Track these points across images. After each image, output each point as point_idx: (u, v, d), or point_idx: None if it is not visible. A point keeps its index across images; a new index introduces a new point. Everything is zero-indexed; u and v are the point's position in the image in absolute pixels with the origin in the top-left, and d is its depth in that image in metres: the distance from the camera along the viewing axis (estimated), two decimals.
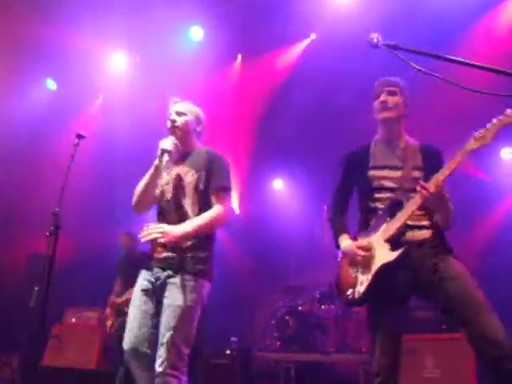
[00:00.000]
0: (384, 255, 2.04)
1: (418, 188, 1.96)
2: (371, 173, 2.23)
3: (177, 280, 2.14)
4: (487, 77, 1.50)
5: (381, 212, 2.16)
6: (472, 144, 1.90)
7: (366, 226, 2.22)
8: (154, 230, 2.13)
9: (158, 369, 2.04)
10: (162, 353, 2.06)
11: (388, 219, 2.11)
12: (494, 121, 1.85)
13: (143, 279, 2.30)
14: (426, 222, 2.12)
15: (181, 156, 2.44)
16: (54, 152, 5.87)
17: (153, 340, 2.14)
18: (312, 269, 5.47)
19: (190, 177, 2.33)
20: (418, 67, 1.59)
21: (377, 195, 2.20)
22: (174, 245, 2.19)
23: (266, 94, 5.99)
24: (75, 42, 5.31)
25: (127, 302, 4.54)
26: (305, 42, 5.68)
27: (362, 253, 2.10)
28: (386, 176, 2.20)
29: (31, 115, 5.88)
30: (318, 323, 4.88)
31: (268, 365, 4.97)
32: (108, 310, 4.73)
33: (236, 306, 6.15)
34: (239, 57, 6.11)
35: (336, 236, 2.29)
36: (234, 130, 6.30)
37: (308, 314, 5.02)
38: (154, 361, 2.08)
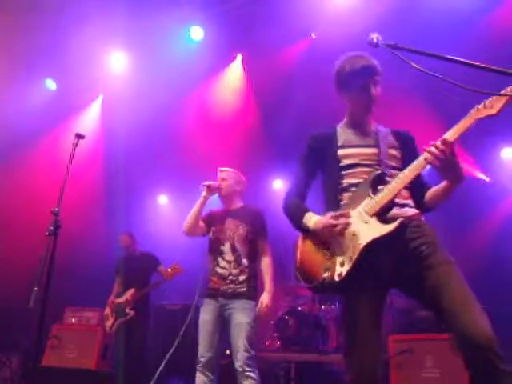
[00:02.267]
0: (373, 229, 1.81)
1: (426, 147, 1.76)
2: (341, 151, 2.05)
3: None
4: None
5: (357, 187, 1.96)
6: (482, 111, 1.70)
7: (336, 205, 1.99)
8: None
9: None
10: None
11: (371, 193, 1.89)
12: (503, 92, 1.66)
13: None
14: (409, 201, 1.97)
15: (228, 211, 3.28)
16: (53, 152, 5.88)
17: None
18: None
19: (241, 229, 3.15)
20: (418, 67, 1.59)
21: (350, 171, 2.01)
22: None
23: (265, 94, 5.99)
24: (75, 42, 5.30)
25: (128, 303, 4.59)
26: (305, 42, 5.67)
27: (343, 220, 1.86)
28: (360, 153, 2.03)
29: (30, 115, 5.87)
30: (317, 323, 4.87)
31: (268, 365, 4.96)
32: (107, 310, 4.73)
33: None
34: (239, 57, 6.11)
35: (298, 217, 2.04)
36: (234, 130, 6.29)
37: (308, 314, 5.01)
38: None
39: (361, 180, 1.96)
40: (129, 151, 6.15)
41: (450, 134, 1.75)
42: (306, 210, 2.05)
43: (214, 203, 3.39)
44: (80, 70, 5.89)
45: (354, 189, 1.97)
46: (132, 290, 4.60)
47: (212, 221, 3.27)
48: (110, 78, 6.15)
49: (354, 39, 3.72)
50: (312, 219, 1.99)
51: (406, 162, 1.97)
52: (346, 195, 1.99)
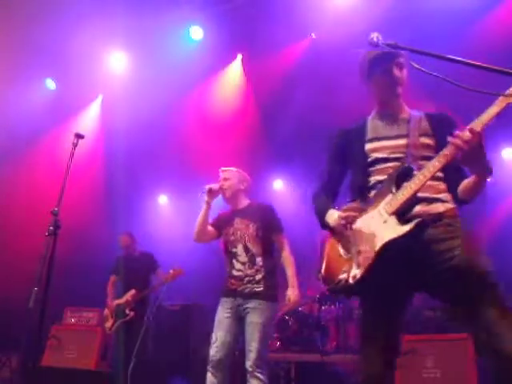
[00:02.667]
0: (390, 230, 1.69)
1: (451, 138, 1.60)
2: (369, 145, 1.93)
3: None
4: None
5: (382, 182, 1.83)
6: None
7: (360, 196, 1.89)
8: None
9: None
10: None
11: (394, 189, 1.76)
12: (507, 92, 1.56)
13: None
14: (442, 194, 1.80)
15: (235, 211, 3.23)
16: (53, 151, 5.87)
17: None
18: (312, 269, 5.46)
19: (251, 228, 3.10)
20: (419, 66, 1.59)
21: (378, 167, 1.88)
22: None
23: (265, 94, 5.99)
24: (75, 42, 5.30)
25: (128, 303, 4.58)
26: (305, 42, 5.67)
27: (348, 214, 1.80)
28: (389, 146, 1.90)
29: (30, 115, 5.87)
30: (317, 324, 4.87)
31: (268, 365, 4.95)
32: (106, 311, 4.72)
33: None
34: (239, 56, 6.10)
35: (322, 214, 1.95)
36: (234, 130, 6.29)
37: (308, 314, 5.01)
38: None
39: (387, 176, 1.83)
40: (128, 151, 6.14)
41: (477, 124, 1.59)
42: (330, 207, 1.96)
43: (220, 204, 3.37)
44: (80, 70, 5.89)
45: (380, 185, 1.84)
46: (133, 291, 4.59)
47: (221, 224, 3.24)
48: (109, 78, 6.15)
49: (355, 39, 3.73)
50: (332, 216, 1.91)
51: (440, 149, 1.76)
52: (371, 191, 1.86)
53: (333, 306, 5.01)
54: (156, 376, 4.73)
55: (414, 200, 1.72)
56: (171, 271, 4.42)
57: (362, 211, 1.83)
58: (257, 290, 2.97)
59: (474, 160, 1.63)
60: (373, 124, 2.01)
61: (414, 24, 4.47)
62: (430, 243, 1.70)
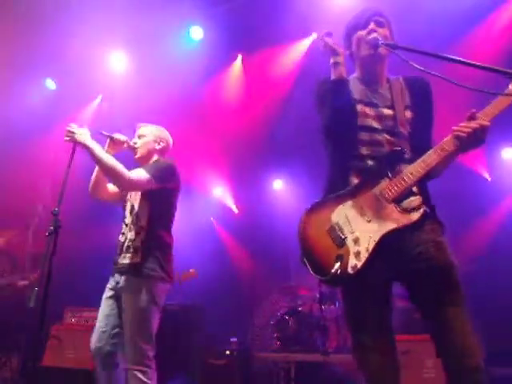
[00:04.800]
0: (392, 218, 1.60)
1: (457, 131, 1.58)
2: (360, 107, 1.81)
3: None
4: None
5: (372, 163, 1.73)
6: None
7: (343, 181, 1.76)
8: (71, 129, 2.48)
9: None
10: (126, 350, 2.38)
11: (389, 174, 1.68)
12: (506, 91, 1.59)
13: None
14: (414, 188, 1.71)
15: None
16: (53, 151, 5.87)
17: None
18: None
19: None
20: (418, 66, 1.59)
21: (366, 137, 1.77)
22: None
23: (266, 94, 5.99)
24: (74, 42, 5.30)
25: None
26: (305, 42, 5.67)
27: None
28: (376, 115, 1.80)
29: (30, 115, 5.87)
30: (317, 324, 4.87)
31: (268, 365, 4.96)
32: None
33: (236, 306, 6.15)
34: (239, 56, 6.10)
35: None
36: (234, 130, 6.29)
37: (308, 314, 5.01)
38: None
39: (372, 153, 1.75)
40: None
41: (485, 115, 1.59)
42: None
43: None
44: (80, 70, 5.88)
45: (370, 163, 1.73)
46: None
47: None
48: (109, 78, 6.15)
49: None
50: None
51: (417, 123, 1.75)
52: (356, 170, 1.75)
53: (333, 306, 5.01)
54: (155, 379, 4.73)
55: (410, 190, 1.66)
56: (191, 271, 4.44)
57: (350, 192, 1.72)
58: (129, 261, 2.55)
59: (469, 146, 1.61)
60: (354, 86, 1.88)
61: (414, 24, 4.47)
62: (407, 233, 1.64)
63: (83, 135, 2.48)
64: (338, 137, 1.80)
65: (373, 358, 1.66)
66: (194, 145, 6.30)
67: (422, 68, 1.58)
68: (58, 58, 5.70)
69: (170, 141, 3.00)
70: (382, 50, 1.79)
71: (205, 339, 5.13)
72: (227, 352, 4.58)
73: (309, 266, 1.71)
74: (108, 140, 2.70)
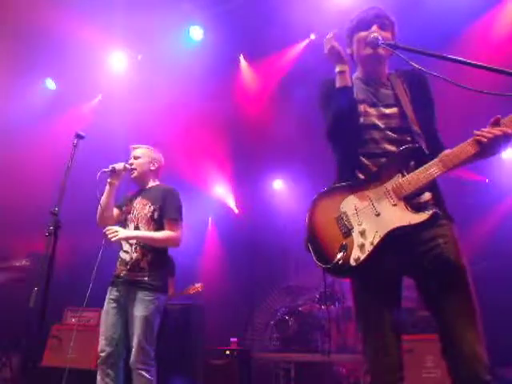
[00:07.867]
0: (400, 215, 1.59)
1: (478, 136, 1.53)
2: (362, 107, 1.81)
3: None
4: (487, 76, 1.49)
5: (386, 157, 1.70)
6: None
7: (351, 173, 1.76)
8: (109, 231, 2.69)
9: None
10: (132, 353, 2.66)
11: (404, 171, 1.65)
12: None
13: None
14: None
15: (140, 191, 3.03)
16: (53, 152, 5.87)
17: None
18: (312, 269, 5.47)
19: (147, 208, 2.87)
20: (418, 66, 1.59)
21: (368, 137, 1.77)
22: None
23: (266, 94, 5.99)
24: (74, 42, 5.31)
25: None
26: (305, 42, 5.67)
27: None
28: (378, 114, 1.80)
29: (30, 115, 5.88)
30: (317, 324, 4.87)
31: (268, 365, 4.96)
32: None
33: (236, 306, 6.15)
34: (239, 57, 6.10)
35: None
36: (234, 130, 6.29)
37: (308, 314, 5.01)
38: None
39: (378, 150, 1.74)
40: (128, 151, 6.13)
41: (510, 122, 1.53)
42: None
43: None
44: (80, 70, 5.89)
45: (382, 159, 1.71)
46: None
47: (125, 203, 3.01)
48: (109, 78, 6.15)
49: None
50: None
51: (420, 116, 1.74)
52: (365, 168, 1.74)
53: (333, 306, 5.01)
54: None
55: (423, 187, 1.62)
56: (197, 285, 4.52)
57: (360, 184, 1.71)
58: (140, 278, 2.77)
59: (493, 152, 1.56)
60: (357, 85, 1.89)
61: (414, 24, 4.47)
62: (417, 229, 1.61)
63: (123, 232, 2.75)
64: (341, 140, 1.82)
65: (379, 357, 1.69)
66: (194, 145, 6.30)
67: (422, 68, 1.58)
68: (58, 58, 5.70)
69: (163, 160, 3.23)
70: (381, 50, 1.81)
71: (205, 339, 5.13)
72: (227, 352, 4.58)
73: (312, 253, 1.71)
74: (110, 172, 2.89)
